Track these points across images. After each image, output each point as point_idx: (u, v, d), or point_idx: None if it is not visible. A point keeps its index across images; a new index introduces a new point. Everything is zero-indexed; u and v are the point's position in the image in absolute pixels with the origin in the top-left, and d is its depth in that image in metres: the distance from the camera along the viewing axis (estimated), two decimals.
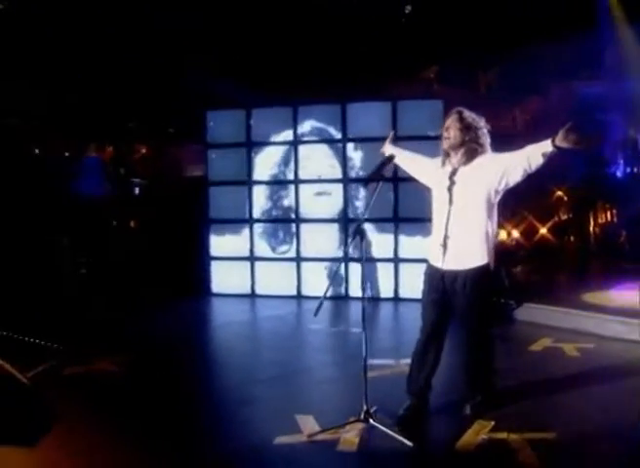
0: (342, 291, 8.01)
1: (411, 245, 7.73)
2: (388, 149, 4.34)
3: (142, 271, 8.38)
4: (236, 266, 8.44)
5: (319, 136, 8.04)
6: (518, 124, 10.93)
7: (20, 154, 9.25)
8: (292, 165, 8.08)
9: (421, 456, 3.48)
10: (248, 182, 8.27)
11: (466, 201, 3.78)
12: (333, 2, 8.36)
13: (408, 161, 4.31)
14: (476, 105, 10.33)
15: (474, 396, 4.04)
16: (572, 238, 9.21)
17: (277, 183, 8.21)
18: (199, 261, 8.52)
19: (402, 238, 7.79)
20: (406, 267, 7.75)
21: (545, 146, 3.55)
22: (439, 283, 3.88)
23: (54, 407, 4.14)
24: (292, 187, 8.13)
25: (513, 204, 9.08)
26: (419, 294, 7.13)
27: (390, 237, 7.84)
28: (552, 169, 9.83)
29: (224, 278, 8.50)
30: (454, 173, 3.85)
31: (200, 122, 8.31)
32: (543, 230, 9.27)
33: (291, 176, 8.12)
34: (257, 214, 8.33)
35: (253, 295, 8.37)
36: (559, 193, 9.37)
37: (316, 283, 7.93)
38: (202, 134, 8.35)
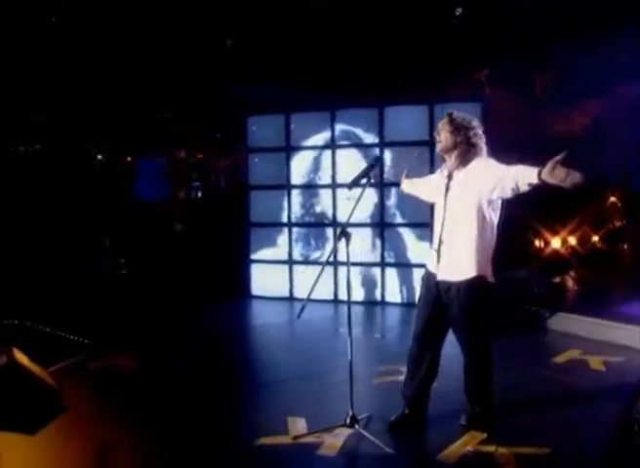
0: (378, 296, 7.99)
1: None
2: (405, 185, 4.37)
3: (186, 272, 8.60)
4: (275, 270, 8.52)
5: (355, 140, 8.02)
6: (577, 128, 10.52)
7: (81, 157, 9.69)
8: (328, 169, 8.09)
9: (398, 465, 3.40)
10: (287, 186, 8.35)
11: (458, 209, 3.69)
12: (378, 4, 8.32)
13: (414, 185, 4.34)
14: (531, 109, 10.03)
15: (473, 406, 3.92)
16: (625, 246, 8.76)
17: (314, 187, 8.24)
18: (240, 264, 8.65)
19: None
20: None
21: (532, 176, 3.31)
22: (433, 289, 3.80)
23: (61, 398, 4.32)
24: (326, 192, 8.14)
25: (562, 210, 8.76)
26: None
27: (427, 243, 7.72)
28: (607, 172, 9.39)
29: (264, 281, 8.60)
30: (450, 177, 3.77)
31: (242, 127, 8.45)
32: (595, 238, 8.87)
33: (326, 181, 8.14)
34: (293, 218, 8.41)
35: (291, 299, 8.42)
36: (613, 199, 8.95)
37: (353, 287, 7.96)
38: (244, 138, 8.50)
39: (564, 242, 8.96)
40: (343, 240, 3.66)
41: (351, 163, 7.95)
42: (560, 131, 10.23)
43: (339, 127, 8.07)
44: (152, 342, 6.25)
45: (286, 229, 8.44)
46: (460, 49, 9.07)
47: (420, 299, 3.93)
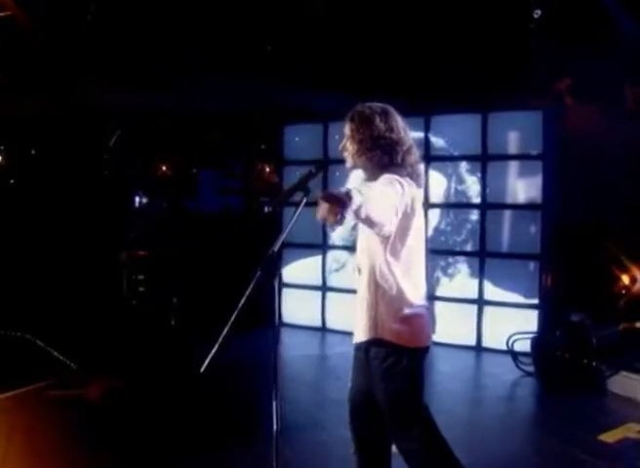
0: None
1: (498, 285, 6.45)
2: None
3: (211, 294, 7.91)
4: (308, 296, 7.67)
5: None
6: None
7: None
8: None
9: None
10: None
11: (362, 244, 2.71)
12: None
13: None
14: (619, 123, 8.65)
15: None
16: None
17: None
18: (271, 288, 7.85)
19: (489, 276, 6.51)
20: (491, 311, 6.47)
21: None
22: (359, 355, 2.75)
23: None
24: None
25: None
26: (502, 344, 5.89)
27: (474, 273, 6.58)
28: None
29: (296, 308, 7.76)
30: None
31: (277, 137, 7.71)
32: None
33: None
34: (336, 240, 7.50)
35: (323, 329, 7.53)
36: None
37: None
38: (279, 149, 7.74)
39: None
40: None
41: None
42: None
43: None
44: (143, 371, 5.55)
45: (320, 252, 7.58)
46: (534, 54, 7.97)
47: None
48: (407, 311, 2.59)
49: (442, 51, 7.00)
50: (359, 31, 6.90)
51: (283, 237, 2.70)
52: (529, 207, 6.19)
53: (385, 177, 2.55)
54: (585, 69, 8.13)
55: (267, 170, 9.47)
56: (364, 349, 2.67)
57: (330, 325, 7.48)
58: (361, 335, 2.67)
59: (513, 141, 6.32)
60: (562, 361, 5.19)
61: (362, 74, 7.24)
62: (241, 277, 8.26)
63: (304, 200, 2.76)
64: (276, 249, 2.64)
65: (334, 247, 7.47)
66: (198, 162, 10.39)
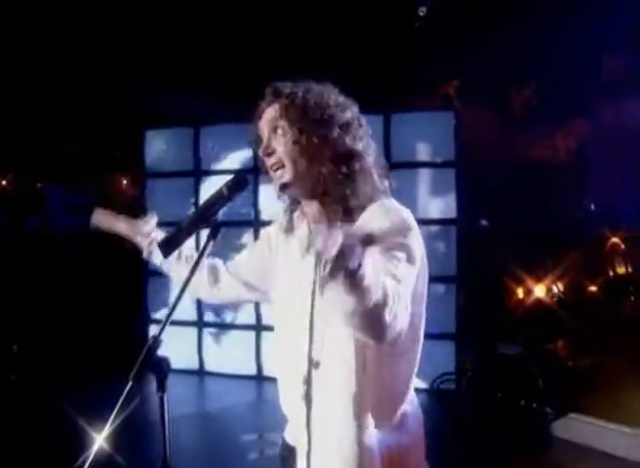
0: None
1: None
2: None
3: (66, 333, 6.45)
4: (181, 333, 6.43)
5: None
6: (560, 153, 8.81)
7: None
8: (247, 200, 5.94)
9: None
10: None
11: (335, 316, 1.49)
12: None
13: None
14: (507, 129, 8.18)
15: None
16: (632, 298, 6.85)
17: (229, 226, 6.14)
18: (136, 324, 6.54)
19: None
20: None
21: None
22: None
23: None
24: (247, 231, 6.03)
25: (552, 253, 6.91)
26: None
27: None
28: (606, 209, 7.56)
29: (168, 347, 6.48)
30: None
31: (137, 144, 6.42)
32: (593, 288, 6.95)
33: (245, 217, 6.01)
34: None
35: (201, 373, 6.34)
36: (615, 240, 7.09)
37: None
38: (140, 159, 6.44)
39: (548, 291, 7.03)
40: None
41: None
42: (541, 156, 8.53)
43: None
44: None
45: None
46: (421, 54, 7.36)
47: None
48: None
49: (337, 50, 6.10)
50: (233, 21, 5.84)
51: (171, 317, 1.55)
52: (442, 221, 5.40)
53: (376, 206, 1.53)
54: (473, 71, 7.67)
55: (124, 182, 8.08)
56: None
57: (208, 367, 6.31)
58: None
59: (422, 147, 5.52)
60: (495, 403, 4.41)
61: (237, 70, 6.18)
62: (101, 312, 6.83)
63: (211, 243, 1.65)
64: (160, 336, 1.50)
65: None
66: (44, 175, 8.80)
